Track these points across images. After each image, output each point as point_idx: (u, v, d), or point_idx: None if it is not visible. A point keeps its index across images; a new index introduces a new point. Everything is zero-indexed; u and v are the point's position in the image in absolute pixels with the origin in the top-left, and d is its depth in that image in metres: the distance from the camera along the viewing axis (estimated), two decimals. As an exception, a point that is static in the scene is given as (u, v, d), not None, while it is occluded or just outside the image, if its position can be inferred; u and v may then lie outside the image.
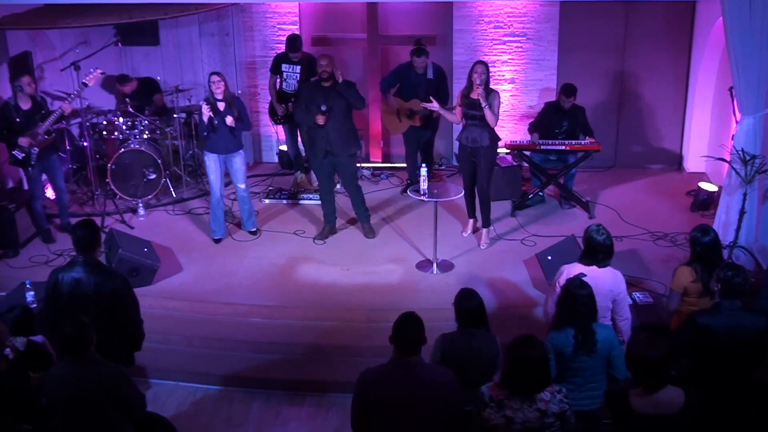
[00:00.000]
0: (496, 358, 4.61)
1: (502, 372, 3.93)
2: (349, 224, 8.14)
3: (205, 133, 7.46)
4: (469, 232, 7.83)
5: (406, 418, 3.94)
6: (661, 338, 3.86)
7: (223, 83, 7.37)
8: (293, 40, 8.75)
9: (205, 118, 7.34)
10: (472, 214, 7.78)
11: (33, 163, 7.46)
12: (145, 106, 9.15)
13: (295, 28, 9.49)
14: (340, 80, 7.31)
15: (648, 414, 3.75)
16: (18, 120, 7.37)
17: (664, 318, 5.40)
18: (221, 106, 7.40)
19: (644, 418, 3.75)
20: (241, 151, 7.66)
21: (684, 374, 4.72)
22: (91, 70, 7.84)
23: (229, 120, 7.34)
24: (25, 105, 7.44)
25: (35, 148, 7.41)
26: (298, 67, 8.82)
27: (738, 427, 4.58)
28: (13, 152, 7.42)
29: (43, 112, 7.52)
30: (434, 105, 7.48)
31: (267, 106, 9.39)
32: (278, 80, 8.99)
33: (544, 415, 3.81)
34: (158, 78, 9.41)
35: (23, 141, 7.34)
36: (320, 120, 7.27)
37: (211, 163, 7.56)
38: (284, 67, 8.88)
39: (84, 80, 7.73)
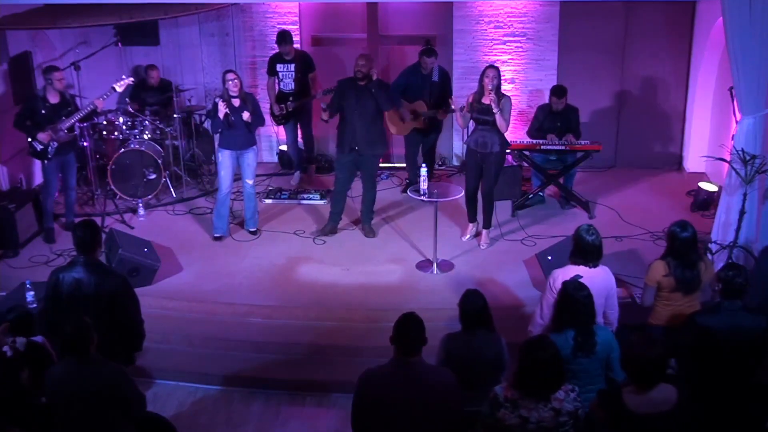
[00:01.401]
0: (500, 359, 4.60)
1: (516, 373, 3.92)
2: (350, 224, 8.14)
3: (220, 130, 7.52)
4: (468, 236, 7.75)
5: (407, 419, 3.94)
6: (658, 337, 3.87)
7: (238, 81, 7.45)
8: (281, 35, 8.81)
9: (221, 115, 7.39)
10: (473, 218, 7.73)
11: (50, 156, 7.52)
12: (161, 105, 9.17)
13: (295, 28, 9.49)
14: (375, 77, 7.38)
15: (641, 412, 3.76)
16: (43, 112, 7.44)
17: (646, 313, 5.41)
18: (236, 102, 7.47)
19: (638, 416, 3.76)
20: (254, 147, 7.73)
21: (683, 373, 4.73)
22: (123, 77, 7.85)
23: (246, 115, 7.42)
24: (54, 99, 7.53)
25: (54, 143, 7.46)
26: (293, 65, 8.84)
27: (738, 427, 4.58)
28: (32, 143, 7.48)
29: (69, 109, 7.59)
30: (459, 122, 7.49)
31: (267, 106, 9.39)
32: (276, 81, 9.00)
33: (558, 414, 3.81)
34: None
35: (42, 137, 7.42)
36: (324, 115, 7.35)
37: (225, 159, 7.59)
38: (279, 67, 8.91)
39: (114, 85, 7.72)
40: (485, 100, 7.05)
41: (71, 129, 7.62)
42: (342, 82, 7.63)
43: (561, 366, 3.89)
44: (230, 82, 7.42)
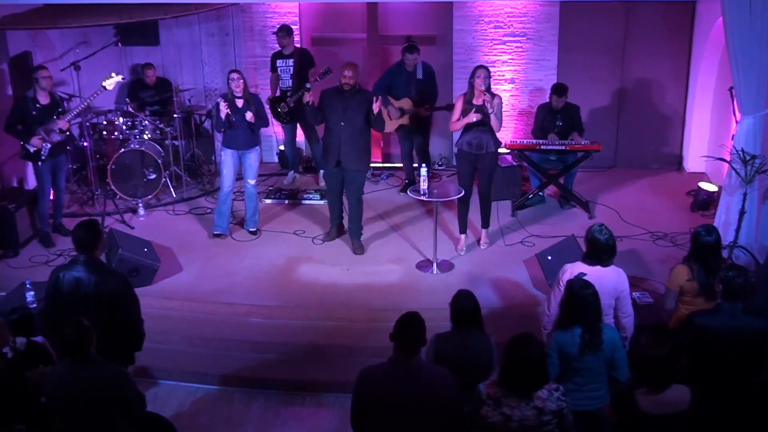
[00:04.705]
0: (490, 359, 4.60)
1: (500, 370, 3.93)
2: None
3: (222, 129, 7.54)
4: (463, 251, 7.50)
5: (405, 417, 3.94)
6: (665, 337, 3.85)
7: (242, 81, 7.47)
8: (281, 27, 8.85)
9: (223, 115, 7.41)
10: (464, 229, 7.54)
11: (44, 158, 7.49)
12: (159, 104, 9.16)
13: (295, 28, 9.48)
14: (377, 110, 7.14)
15: (655, 414, 3.75)
16: (34, 114, 7.40)
17: (664, 317, 5.40)
18: (239, 103, 7.48)
19: (652, 417, 3.75)
20: (257, 147, 7.74)
21: (684, 374, 4.72)
22: (112, 74, 7.76)
23: (249, 115, 7.43)
24: (44, 100, 7.49)
25: (47, 144, 7.43)
26: (291, 61, 8.81)
27: (739, 428, 4.58)
28: (26, 145, 7.44)
29: (60, 110, 7.56)
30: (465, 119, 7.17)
31: (267, 106, 9.39)
32: (277, 78, 8.97)
33: (541, 413, 3.81)
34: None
35: (35, 142, 7.37)
36: (306, 96, 7.29)
37: (227, 158, 7.61)
38: (279, 62, 8.90)
39: (103, 84, 7.66)
40: (477, 101, 6.96)
41: (63, 131, 7.52)
42: (326, 92, 7.40)
43: (545, 364, 3.89)
44: (233, 82, 7.44)
